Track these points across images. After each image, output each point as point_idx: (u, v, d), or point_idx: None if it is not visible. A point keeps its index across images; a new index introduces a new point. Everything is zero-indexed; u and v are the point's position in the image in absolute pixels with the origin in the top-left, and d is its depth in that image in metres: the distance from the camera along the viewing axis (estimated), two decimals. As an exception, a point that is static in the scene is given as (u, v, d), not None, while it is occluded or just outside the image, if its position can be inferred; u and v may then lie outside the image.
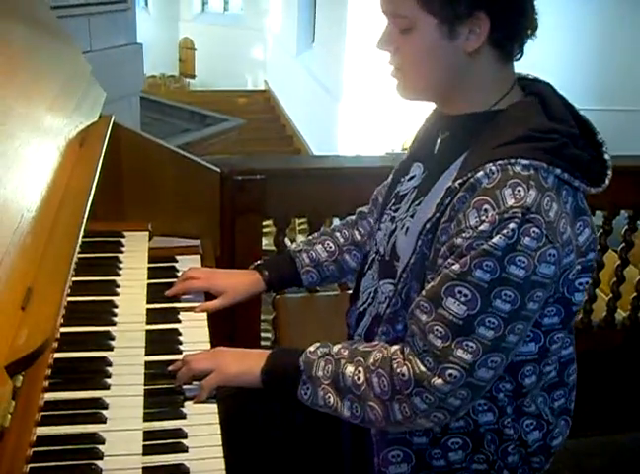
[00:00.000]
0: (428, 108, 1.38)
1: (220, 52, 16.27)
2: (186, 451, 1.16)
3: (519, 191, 1.08)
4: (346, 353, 1.25)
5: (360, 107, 9.98)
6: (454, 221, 1.13)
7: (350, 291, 2.28)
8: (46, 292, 0.96)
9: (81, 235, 1.14)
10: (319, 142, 11.91)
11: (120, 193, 1.90)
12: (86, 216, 1.20)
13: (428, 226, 1.19)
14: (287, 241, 1.63)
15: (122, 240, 1.73)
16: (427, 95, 1.27)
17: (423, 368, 1.14)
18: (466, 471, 1.28)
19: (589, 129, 1.23)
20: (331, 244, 1.58)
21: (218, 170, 2.03)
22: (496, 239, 1.07)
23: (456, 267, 1.10)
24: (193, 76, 17.22)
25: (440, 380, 1.12)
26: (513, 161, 1.10)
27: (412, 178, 1.36)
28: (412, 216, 1.29)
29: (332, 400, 1.24)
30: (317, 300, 2.36)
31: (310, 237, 1.64)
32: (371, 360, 1.21)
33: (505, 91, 1.21)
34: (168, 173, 1.94)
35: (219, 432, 1.22)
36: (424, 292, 1.16)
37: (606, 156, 1.20)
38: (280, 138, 13.71)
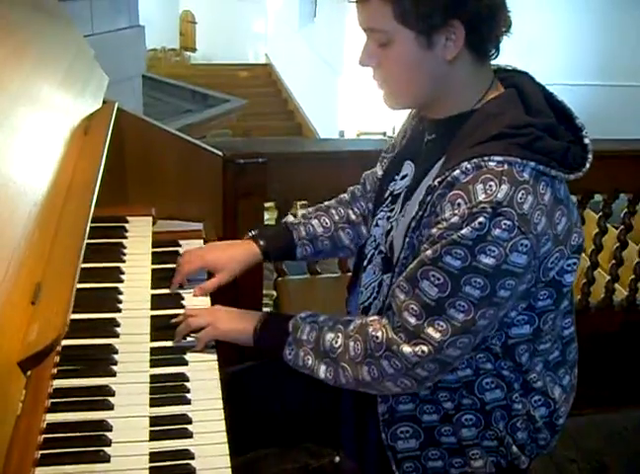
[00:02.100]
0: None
1: (221, 26, 16.13)
2: (191, 437, 1.20)
3: (490, 186, 1.13)
4: (330, 322, 1.34)
5: (362, 81, 9.93)
6: (433, 215, 1.19)
7: (350, 273, 2.32)
8: (56, 287, 0.98)
9: (88, 228, 1.16)
10: (320, 117, 11.87)
11: (123, 176, 1.92)
12: (92, 209, 1.21)
13: (413, 224, 1.24)
14: (291, 217, 1.65)
15: (126, 225, 1.74)
16: (413, 104, 1.34)
17: (395, 336, 1.21)
18: (477, 447, 1.33)
19: (568, 115, 1.27)
20: (327, 220, 1.61)
21: (220, 153, 2.05)
22: (465, 231, 1.12)
23: (429, 253, 1.16)
24: (194, 49, 17.09)
25: (409, 349, 1.19)
26: (487, 158, 1.15)
27: (405, 177, 1.39)
28: (403, 216, 1.33)
29: (310, 362, 1.32)
30: (318, 282, 2.39)
31: (305, 212, 1.67)
32: (351, 327, 1.30)
33: (485, 89, 1.25)
34: (170, 156, 1.96)
35: (223, 417, 1.25)
36: (404, 273, 1.22)
37: (586, 140, 1.24)
38: (281, 113, 13.66)
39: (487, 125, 1.19)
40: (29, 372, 0.90)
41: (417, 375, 1.22)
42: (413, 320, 1.19)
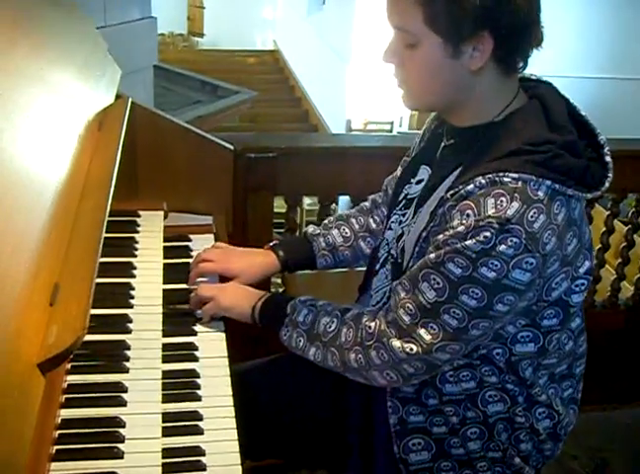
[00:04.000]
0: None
1: (230, 11, 16.07)
2: (202, 434, 1.22)
3: (501, 202, 1.12)
4: (329, 307, 1.36)
5: (369, 70, 9.91)
6: (442, 223, 1.19)
7: (358, 269, 2.33)
8: (74, 288, 1.00)
9: (104, 228, 1.17)
10: (327, 105, 11.85)
11: (134, 170, 1.92)
12: (108, 209, 1.23)
13: (424, 234, 1.24)
14: (311, 227, 1.66)
15: (138, 220, 1.75)
16: (431, 108, 1.34)
17: (387, 329, 1.23)
18: (483, 460, 1.34)
19: (590, 131, 1.25)
20: (347, 230, 1.62)
21: (231, 147, 2.06)
22: (469, 242, 1.12)
23: (432, 256, 1.17)
24: (201, 35, 17.04)
25: (398, 344, 1.21)
26: (501, 174, 1.14)
27: (420, 182, 1.39)
28: (415, 223, 1.33)
29: (302, 343, 1.35)
30: (326, 277, 2.40)
31: (326, 221, 1.67)
32: (348, 315, 1.32)
33: (508, 100, 1.23)
34: (182, 150, 1.96)
35: (233, 414, 1.27)
36: (408, 272, 1.23)
37: (607, 158, 1.23)
38: (288, 100, 13.63)
39: (506, 140, 1.18)
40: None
41: (403, 370, 1.24)
42: (407, 318, 1.20)
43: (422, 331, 1.19)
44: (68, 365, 1.22)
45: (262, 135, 2.96)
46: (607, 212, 2.58)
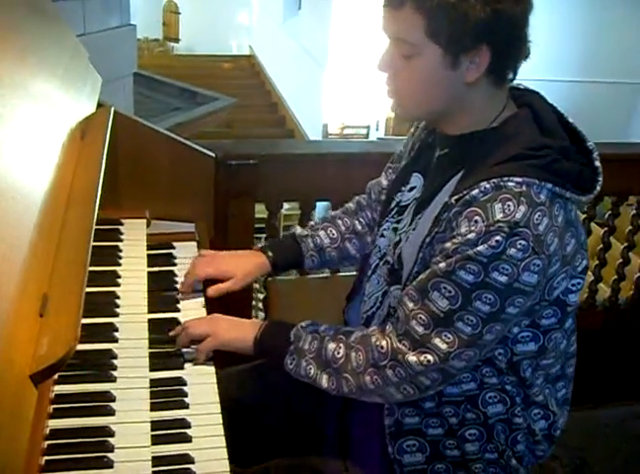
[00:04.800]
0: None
1: (205, 16, 16.06)
2: (190, 441, 1.22)
3: (508, 206, 1.14)
4: (331, 332, 1.36)
5: (346, 75, 9.96)
6: (448, 230, 1.20)
7: (339, 274, 2.35)
8: (63, 299, 1.00)
9: (92, 239, 1.17)
10: (304, 109, 11.88)
11: (116, 177, 1.92)
12: (95, 218, 1.23)
13: (427, 240, 1.25)
14: (299, 228, 1.67)
15: (121, 228, 1.75)
16: (423, 118, 1.36)
17: (400, 345, 1.23)
18: (479, 461, 1.35)
19: (578, 137, 1.28)
20: (333, 231, 1.64)
21: (213, 155, 2.06)
22: (481, 248, 1.13)
23: (442, 265, 1.18)
24: (177, 40, 17.01)
25: (414, 358, 1.21)
26: (506, 179, 1.16)
27: (412, 189, 1.41)
28: (414, 229, 1.34)
29: (312, 372, 1.34)
30: (308, 283, 2.41)
31: (312, 223, 1.69)
32: (352, 338, 1.32)
33: (499, 110, 1.26)
34: (163, 158, 1.96)
35: (220, 421, 1.27)
36: (415, 283, 1.24)
37: (597, 163, 1.26)
38: (264, 105, 13.64)
39: (504, 146, 1.20)
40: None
41: (420, 383, 1.25)
42: (420, 329, 1.21)
43: (437, 340, 1.19)
44: (55, 375, 1.22)
45: (242, 142, 2.97)
46: (584, 215, 2.62)
